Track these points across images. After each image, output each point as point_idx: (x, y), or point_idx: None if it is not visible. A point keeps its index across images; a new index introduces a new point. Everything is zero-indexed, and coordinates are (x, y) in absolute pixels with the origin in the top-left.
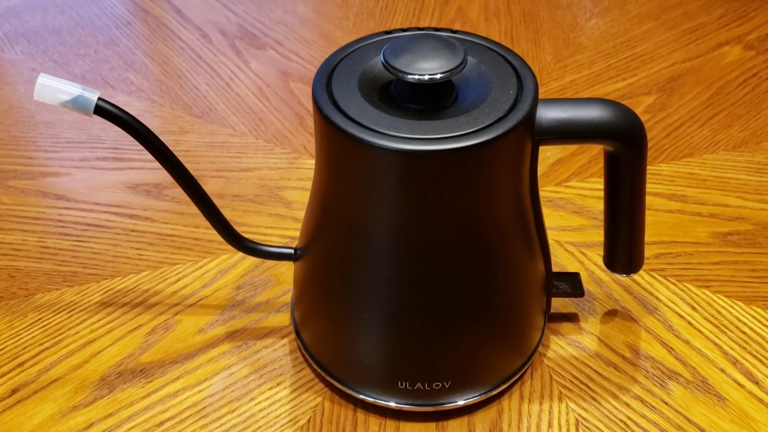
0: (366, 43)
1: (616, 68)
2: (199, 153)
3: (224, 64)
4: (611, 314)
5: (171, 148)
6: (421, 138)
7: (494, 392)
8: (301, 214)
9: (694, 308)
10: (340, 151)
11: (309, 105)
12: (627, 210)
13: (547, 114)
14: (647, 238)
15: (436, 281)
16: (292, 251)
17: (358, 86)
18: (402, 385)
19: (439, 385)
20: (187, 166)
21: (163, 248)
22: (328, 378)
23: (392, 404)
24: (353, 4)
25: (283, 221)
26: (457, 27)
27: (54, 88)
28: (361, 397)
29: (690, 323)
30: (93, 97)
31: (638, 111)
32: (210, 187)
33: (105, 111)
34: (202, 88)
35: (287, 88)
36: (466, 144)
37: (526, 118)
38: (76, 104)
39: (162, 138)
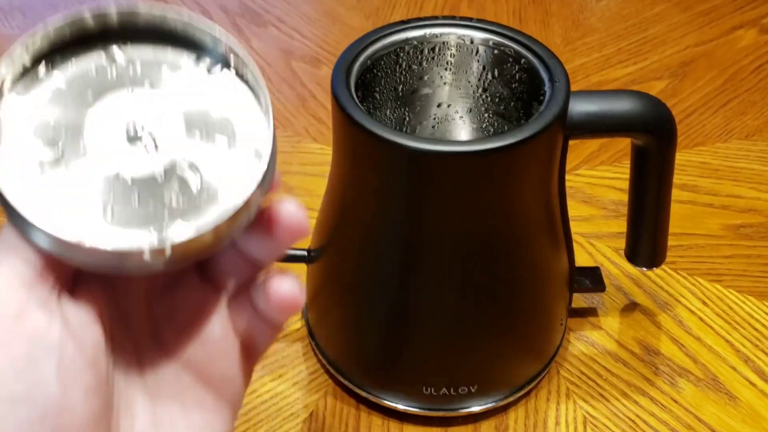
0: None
1: (627, 51)
2: None
3: None
4: (621, 309)
5: None
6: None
7: (518, 395)
8: (304, 201)
9: (705, 303)
10: (363, 151)
11: (311, 86)
12: (653, 204)
13: (578, 107)
14: None
15: (463, 283)
16: (304, 253)
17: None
18: (427, 390)
19: (465, 390)
20: None
21: None
22: (345, 382)
23: (413, 409)
24: None
25: None
26: (464, 7)
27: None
28: (385, 402)
29: (701, 319)
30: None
31: None
32: None
33: None
34: None
35: (289, 67)
36: (500, 144)
37: (560, 115)
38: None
39: None
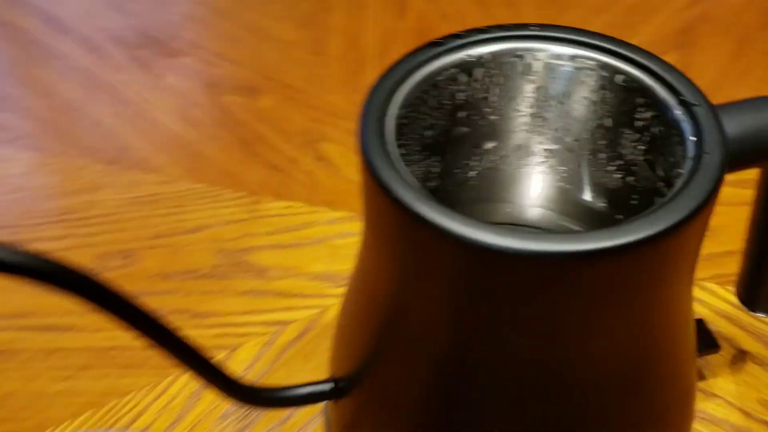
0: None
1: (613, 26)
2: (120, 215)
3: (129, 83)
4: (732, 363)
5: (80, 213)
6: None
7: None
8: (285, 284)
9: None
10: (430, 254)
11: (253, 123)
12: None
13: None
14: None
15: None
16: (327, 387)
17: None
18: None
19: None
20: (110, 236)
21: (102, 371)
22: None
23: None
24: None
25: (262, 300)
26: None
27: None
28: None
29: None
30: None
31: None
32: (147, 264)
33: None
34: (107, 122)
35: (218, 104)
36: (653, 231)
37: (722, 162)
38: None
39: (67, 201)
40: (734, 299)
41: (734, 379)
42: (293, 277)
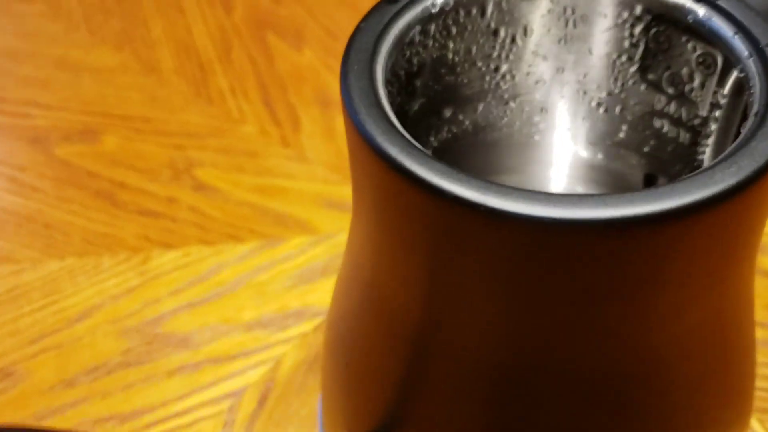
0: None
1: None
2: None
3: None
4: None
5: None
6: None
7: None
8: (218, 348)
9: None
10: (439, 232)
11: (105, 170)
12: None
13: None
14: None
15: None
16: None
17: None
18: None
19: None
20: None
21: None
22: None
23: None
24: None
25: (198, 374)
26: None
27: None
28: None
29: None
30: None
31: None
32: (35, 379)
33: None
34: None
35: (53, 159)
36: (735, 181)
37: None
38: None
39: None
40: None
41: None
42: (224, 336)
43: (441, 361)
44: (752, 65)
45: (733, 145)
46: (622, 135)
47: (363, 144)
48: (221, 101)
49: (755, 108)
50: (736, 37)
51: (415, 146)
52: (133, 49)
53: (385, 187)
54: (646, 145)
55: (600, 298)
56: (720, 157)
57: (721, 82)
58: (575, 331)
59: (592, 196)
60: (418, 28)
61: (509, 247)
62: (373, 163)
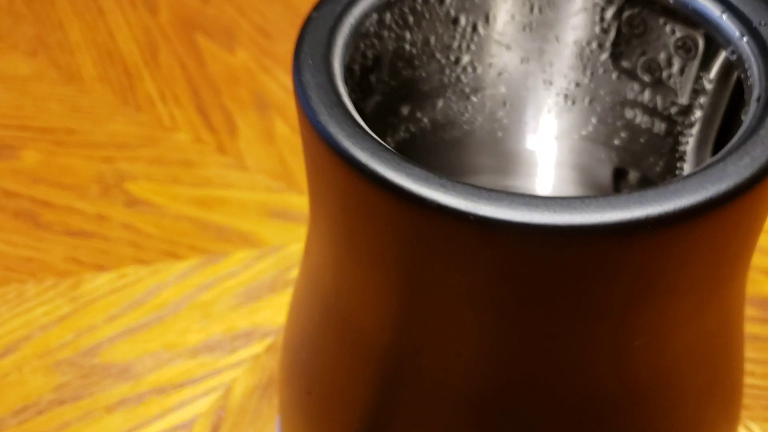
0: None
1: None
2: None
3: None
4: None
5: None
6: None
7: None
8: (162, 376)
9: None
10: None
11: (26, 188)
12: None
13: None
14: None
15: None
16: None
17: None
18: None
19: None
20: None
21: None
22: None
23: None
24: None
25: (143, 407)
26: None
27: None
28: None
29: None
30: None
31: None
32: None
33: None
34: None
35: None
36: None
37: None
38: None
39: None
40: None
41: None
42: (168, 364)
43: (418, 388)
44: (746, 46)
45: (739, 135)
46: (590, 128)
47: (325, 149)
48: (151, 108)
49: (756, 93)
50: (723, 16)
51: (387, 149)
52: (49, 55)
53: (353, 197)
54: (616, 138)
55: (608, 310)
56: (727, 148)
57: (705, 67)
58: (578, 348)
59: (597, 198)
60: (375, 16)
61: (503, 259)
62: (337, 169)
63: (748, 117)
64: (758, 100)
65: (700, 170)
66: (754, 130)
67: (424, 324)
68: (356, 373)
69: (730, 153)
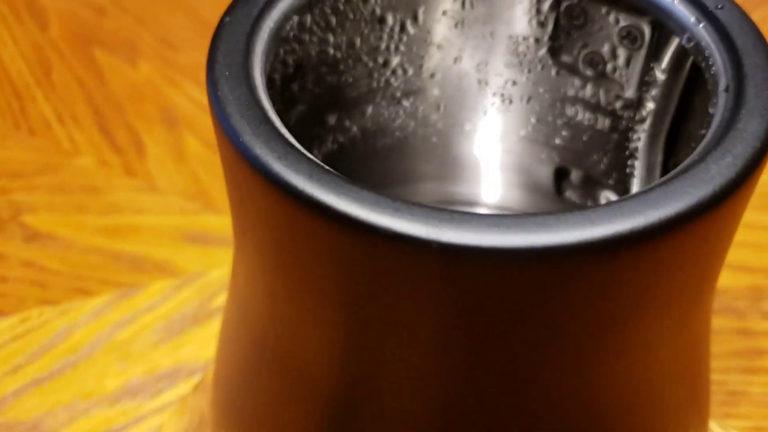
0: None
1: None
2: None
3: None
4: None
5: None
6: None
7: None
8: (78, 429)
9: None
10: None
11: None
12: None
13: None
14: None
15: None
16: None
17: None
18: None
19: None
20: None
21: None
22: None
23: None
24: None
25: None
26: None
27: None
28: None
29: None
30: None
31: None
32: None
33: None
34: None
35: None
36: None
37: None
38: None
39: None
40: None
41: None
42: (84, 415)
43: (369, 429)
44: (703, 32)
45: (713, 129)
46: (529, 128)
47: (253, 173)
48: (47, 131)
49: (722, 83)
50: (676, 2)
51: (327, 170)
52: None
53: (289, 226)
54: (557, 137)
55: (583, 333)
56: (703, 145)
57: (655, 57)
58: (545, 377)
59: (573, 213)
60: (295, 19)
61: (470, 289)
62: (268, 196)
63: (718, 109)
64: (726, 90)
65: (679, 172)
66: (729, 124)
67: (374, 359)
68: (297, 413)
69: (708, 151)
